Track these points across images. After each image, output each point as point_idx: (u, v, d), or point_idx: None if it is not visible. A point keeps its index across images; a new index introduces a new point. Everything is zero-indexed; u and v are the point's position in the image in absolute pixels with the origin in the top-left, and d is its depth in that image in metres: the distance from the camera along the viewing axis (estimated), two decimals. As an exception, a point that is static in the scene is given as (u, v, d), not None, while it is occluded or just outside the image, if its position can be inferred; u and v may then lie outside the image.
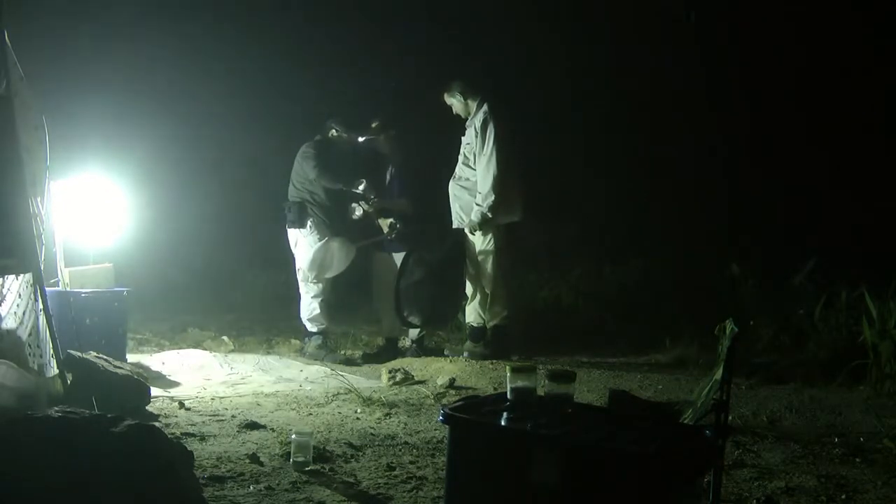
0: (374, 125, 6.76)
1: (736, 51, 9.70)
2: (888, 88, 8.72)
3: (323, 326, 6.77)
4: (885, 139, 8.62)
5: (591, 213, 9.50)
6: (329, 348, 6.78)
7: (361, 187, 6.56)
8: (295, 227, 6.71)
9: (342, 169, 6.70)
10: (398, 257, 6.64)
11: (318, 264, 6.63)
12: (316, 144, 6.77)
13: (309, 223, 6.66)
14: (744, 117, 9.61)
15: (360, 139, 6.79)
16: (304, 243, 6.69)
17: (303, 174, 6.71)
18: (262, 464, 3.84)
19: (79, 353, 4.74)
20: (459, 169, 6.50)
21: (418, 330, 6.80)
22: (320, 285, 6.72)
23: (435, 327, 7.21)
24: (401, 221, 6.63)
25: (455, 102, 6.52)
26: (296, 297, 6.96)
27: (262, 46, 10.07)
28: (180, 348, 6.74)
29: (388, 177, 6.84)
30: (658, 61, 9.83)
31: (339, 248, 6.67)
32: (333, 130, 6.81)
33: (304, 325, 6.84)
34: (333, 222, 6.72)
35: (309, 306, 6.77)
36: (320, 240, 6.66)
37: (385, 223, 6.68)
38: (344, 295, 7.85)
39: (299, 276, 6.80)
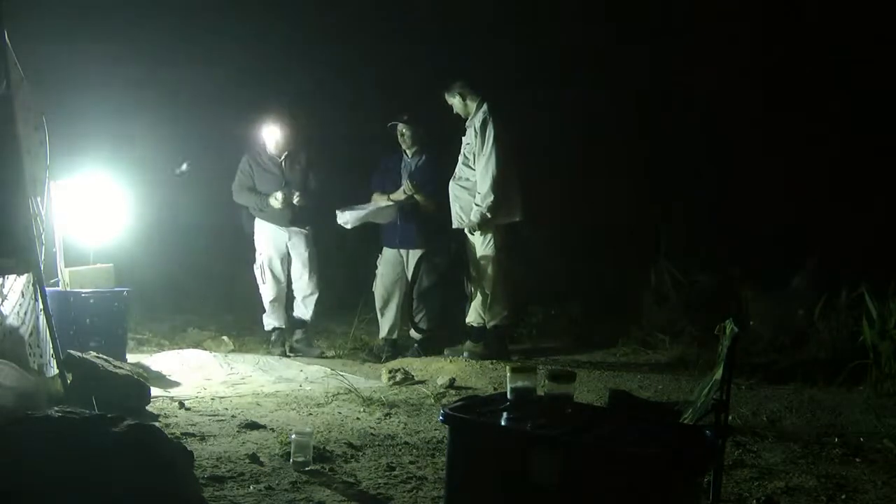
0: (404, 118, 6.67)
1: (733, 50, 9.69)
2: (887, 88, 8.71)
3: (277, 324, 6.92)
4: (885, 139, 8.61)
5: (591, 214, 9.48)
6: (282, 342, 6.88)
7: (277, 201, 6.61)
8: (247, 231, 6.99)
9: (267, 178, 6.77)
10: (405, 254, 6.67)
11: (374, 215, 6.63)
12: (251, 155, 6.88)
13: (255, 225, 6.90)
14: (742, 117, 9.60)
15: (273, 149, 6.77)
16: (259, 240, 6.91)
17: None
18: (262, 464, 3.85)
19: (79, 353, 4.75)
20: (459, 169, 6.50)
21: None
22: (276, 285, 6.87)
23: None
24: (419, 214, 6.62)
25: (455, 102, 6.51)
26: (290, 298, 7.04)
27: (266, 45, 10.04)
28: (180, 348, 6.73)
29: (412, 166, 6.72)
30: (653, 60, 9.81)
31: (384, 205, 6.68)
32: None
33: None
34: (281, 222, 6.81)
35: (266, 303, 6.94)
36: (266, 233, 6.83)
37: (398, 194, 6.64)
38: (342, 293, 7.89)
39: (256, 273, 6.94)
